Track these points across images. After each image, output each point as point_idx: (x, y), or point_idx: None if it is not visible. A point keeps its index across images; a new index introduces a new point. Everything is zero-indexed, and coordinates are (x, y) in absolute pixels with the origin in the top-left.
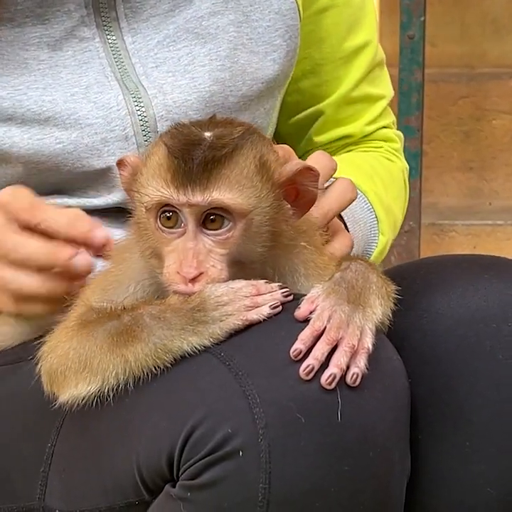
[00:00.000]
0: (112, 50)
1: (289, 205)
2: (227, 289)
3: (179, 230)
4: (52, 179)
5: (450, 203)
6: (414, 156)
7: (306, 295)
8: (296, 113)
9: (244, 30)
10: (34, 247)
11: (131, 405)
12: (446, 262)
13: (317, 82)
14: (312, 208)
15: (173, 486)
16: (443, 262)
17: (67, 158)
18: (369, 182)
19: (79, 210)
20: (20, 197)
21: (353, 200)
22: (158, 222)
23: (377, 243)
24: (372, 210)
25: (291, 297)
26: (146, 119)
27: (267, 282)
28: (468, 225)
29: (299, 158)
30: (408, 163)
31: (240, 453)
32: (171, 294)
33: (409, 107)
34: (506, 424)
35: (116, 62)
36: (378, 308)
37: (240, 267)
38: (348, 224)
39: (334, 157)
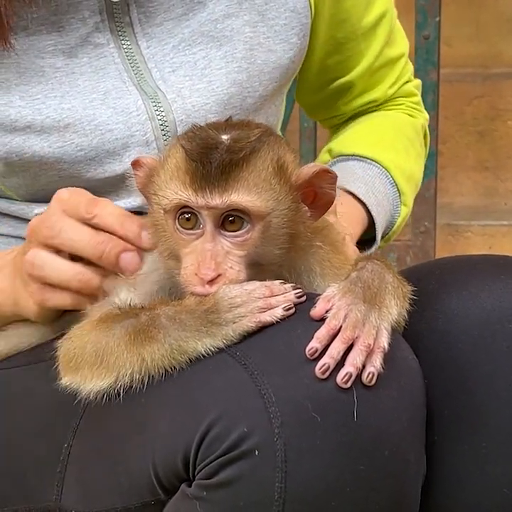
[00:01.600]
0: (127, 56)
1: (306, 207)
2: (241, 290)
3: (197, 231)
4: (74, 185)
5: (465, 203)
6: (429, 156)
7: (321, 294)
8: (323, 88)
9: (260, 30)
10: (84, 235)
11: (147, 405)
12: (462, 262)
13: (341, 58)
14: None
15: (189, 486)
16: (458, 263)
17: (89, 164)
18: (391, 153)
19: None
20: (78, 193)
21: None
22: (177, 223)
23: (400, 214)
24: (394, 184)
25: (304, 298)
26: (166, 123)
27: (281, 283)
28: (484, 225)
29: (323, 121)
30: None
31: (256, 452)
32: (187, 293)
33: (424, 107)
34: None
35: (132, 67)
36: (394, 308)
37: (257, 269)
38: (372, 211)
39: (358, 124)
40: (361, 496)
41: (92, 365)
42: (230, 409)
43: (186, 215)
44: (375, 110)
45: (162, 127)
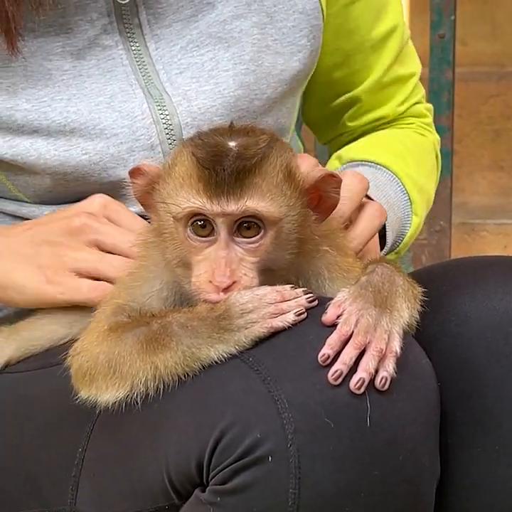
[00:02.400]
0: (136, 58)
1: (311, 211)
2: (252, 296)
3: (210, 238)
4: (79, 189)
5: (481, 202)
6: (444, 155)
7: (332, 299)
8: (330, 102)
9: (268, 32)
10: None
11: (161, 410)
12: (475, 263)
13: (349, 71)
14: (352, 236)
15: (203, 491)
16: (471, 264)
17: (94, 168)
18: (401, 163)
19: None
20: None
21: (382, 224)
22: (189, 231)
23: (411, 224)
24: (405, 192)
25: (316, 303)
26: (171, 127)
27: (292, 287)
28: (499, 224)
29: (331, 141)
30: None
31: (269, 458)
32: (195, 300)
33: (439, 106)
34: None
35: (139, 69)
36: (405, 311)
37: (268, 274)
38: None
39: (368, 137)
40: (375, 501)
41: (105, 375)
42: (244, 415)
43: (200, 223)
44: (384, 128)
45: (167, 131)
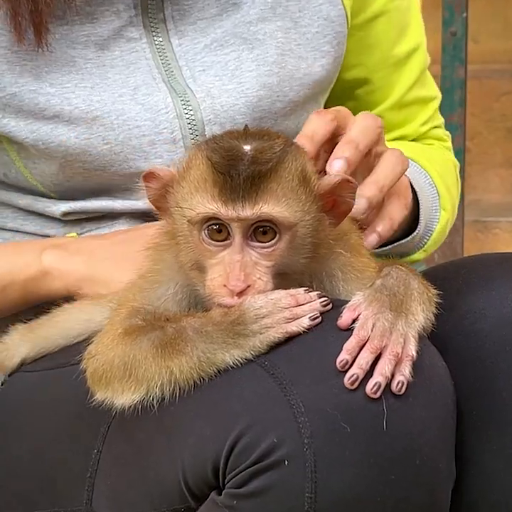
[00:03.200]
0: (159, 52)
1: (325, 215)
2: (266, 300)
3: (225, 242)
4: (98, 179)
5: (493, 199)
6: (457, 153)
7: (347, 302)
8: None
9: (292, 36)
10: None
11: (176, 413)
12: (488, 260)
13: (371, 88)
14: (368, 182)
15: (219, 494)
16: (484, 261)
17: (114, 159)
18: (427, 163)
19: None
20: None
21: (405, 171)
22: (203, 234)
23: (438, 218)
24: (433, 185)
25: (330, 306)
26: (194, 122)
27: (306, 291)
28: None
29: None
30: None
31: (286, 462)
32: (208, 303)
33: (451, 104)
34: None
35: (162, 64)
36: (420, 314)
37: (282, 278)
38: (415, 187)
39: (393, 142)
40: (392, 506)
41: (121, 378)
42: (260, 419)
43: (215, 227)
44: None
45: (190, 126)
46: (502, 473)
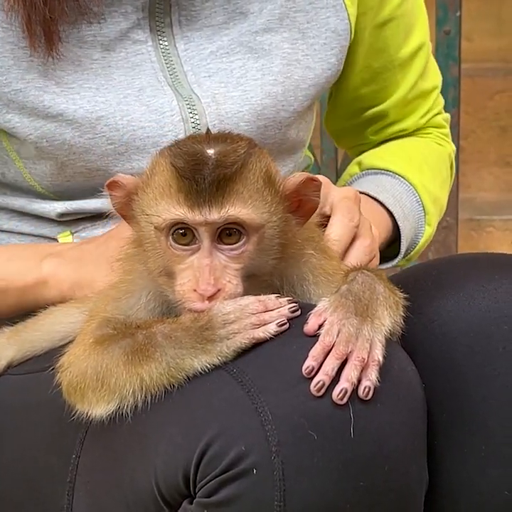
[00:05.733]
0: (164, 55)
1: (292, 215)
2: (235, 306)
3: (193, 246)
4: (99, 179)
5: (487, 198)
6: None
7: (315, 307)
8: (356, 116)
9: (299, 47)
10: None
11: (148, 421)
12: (457, 262)
13: (376, 88)
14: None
15: (191, 502)
16: (454, 262)
17: (118, 159)
18: (418, 174)
19: None
20: None
21: (372, 263)
22: (170, 240)
23: (423, 234)
24: (421, 203)
25: (299, 312)
26: (199, 127)
27: (277, 296)
28: (506, 220)
29: (351, 148)
30: None
31: (254, 471)
32: (181, 309)
33: (445, 103)
34: None
35: (167, 67)
36: (387, 318)
37: (252, 280)
38: (398, 222)
39: (388, 144)
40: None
41: (94, 388)
42: (228, 427)
43: (181, 231)
44: (404, 137)
45: (194, 130)
46: (475, 476)
